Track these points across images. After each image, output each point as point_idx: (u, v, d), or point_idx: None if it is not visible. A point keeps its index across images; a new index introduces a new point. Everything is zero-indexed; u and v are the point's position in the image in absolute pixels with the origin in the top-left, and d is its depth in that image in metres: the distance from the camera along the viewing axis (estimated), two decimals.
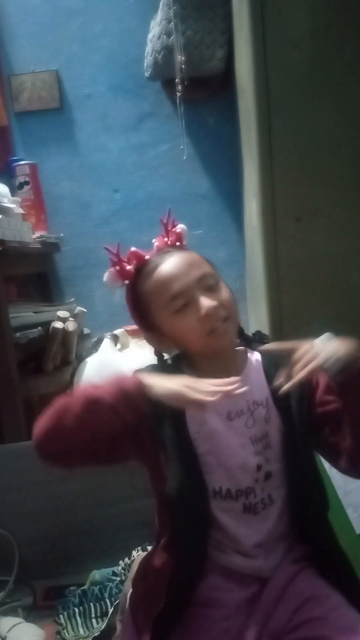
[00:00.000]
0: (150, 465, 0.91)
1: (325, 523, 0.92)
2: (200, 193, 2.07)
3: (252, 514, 0.88)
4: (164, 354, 0.99)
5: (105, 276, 0.97)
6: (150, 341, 0.97)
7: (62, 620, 1.25)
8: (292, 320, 1.43)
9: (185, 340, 0.90)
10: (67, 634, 1.22)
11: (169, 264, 0.90)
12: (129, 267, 0.94)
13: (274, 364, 0.93)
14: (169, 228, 0.97)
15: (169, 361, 1.00)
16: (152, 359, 1.02)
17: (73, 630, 1.23)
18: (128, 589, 1.04)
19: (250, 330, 1.01)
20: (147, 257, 0.94)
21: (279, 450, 0.90)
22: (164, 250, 0.94)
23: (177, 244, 0.97)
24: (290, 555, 0.90)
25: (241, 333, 0.99)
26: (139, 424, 0.85)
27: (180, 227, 0.98)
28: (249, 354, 0.96)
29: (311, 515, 0.90)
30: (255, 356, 0.96)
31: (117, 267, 0.95)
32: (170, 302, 0.88)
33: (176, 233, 0.97)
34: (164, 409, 0.86)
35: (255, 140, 1.41)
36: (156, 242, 0.97)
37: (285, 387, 0.80)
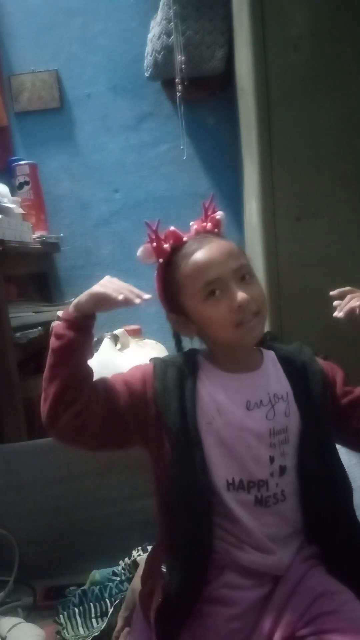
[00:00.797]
0: (154, 452, 0.90)
1: (344, 520, 0.91)
2: (200, 193, 2.06)
3: (264, 507, 0.88)
4: (182, 336, 0.99)
5: (140, 251, 0.95)
6: (174, 323, 0.96)
7: (62, 620, 1.25)
8: (292, 320, 1.43)
9: (212, 328, 0.90)
10: (67, 634, 1.22)
11: (208, 250, 0.89)
12: (165, 246, 0.92)
13: (292, 360, 0.96)
14: (209, 213, 0.95)
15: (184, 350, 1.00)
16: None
17: (73, 630, 1.23)
18: (137, 586, 1.04)
19: None
20: (185, 238, 0.93)
21: (296, 446, 0.90)
22: (203, 235, 0.93)
23: (215, 230, 0.95)
24: (302, 553, 0.90)
25: None
26: (143, 409, 0.88)
27: (219, 214, 0.96)
28: (263, 351, 0.97)
29: (324, 513, 0.89)
30: (269, 353, 0.97)
31: (154, 244, 0.93)
32: (203, 288, 0.87)
33: (215, 219, 0.95)
34: (170, 397, 0.88)
35: (255, 140, 1.41)
36: (194, 225, 0.95)
37: (338, 314, 0.90)
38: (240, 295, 0.85)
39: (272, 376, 0.93)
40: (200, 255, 0.88)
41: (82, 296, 0.88)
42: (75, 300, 0.88)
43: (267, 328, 1.42)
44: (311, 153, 1.39)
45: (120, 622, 1.12)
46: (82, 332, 0.87)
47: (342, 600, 0.83)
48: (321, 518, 0.90)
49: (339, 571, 0.88)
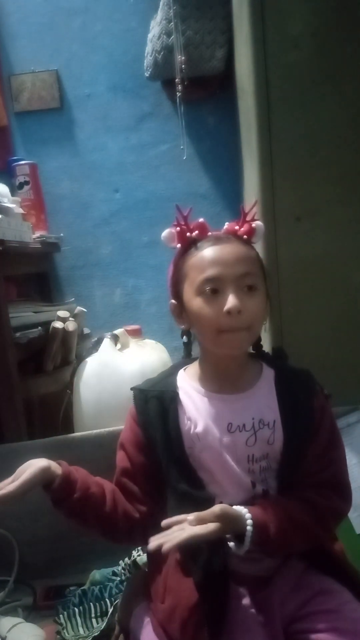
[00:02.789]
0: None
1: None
2: (200, 193, 2.07)
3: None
4: (187, 337, 0.99)
5: (165, 232, 0.94)
6: (172, 310, 0.95)
7: (62, 620, 1.25)
8: (291, 320, 1.43)
9: (198, 326, 0.89)
10: (67, 634, 1.22)
11: (219, 248, 0.87)
12: (188, 234, 0.92)
13: (290, 387, 0.91)
14: (247, 218, 0.93)
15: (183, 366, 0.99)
16: (158, 358, 1.02)
17: (73, 630, 1.23)
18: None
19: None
20: (209, 233, 0.92)
21: (276, 470, 0.89)
22: (227, 235, 0.91)
23: (245, 236, 0.92)
24: (297, 556, 0.90)
25: (258, 346, 0.97)
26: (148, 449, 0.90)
27: (257, 224, 0.93)
28: (264, 369, 0.94)
29: None
30: (269, 372, 0.93)
31: (179, 229, 0.92)
32: (202, 283, 0.86)
33: (250, 226, 0.92)
34: (155, 430, 0.89)
35: (255, 140, 1.41)
36: (226, 226, 0.94)
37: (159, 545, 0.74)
38: (233, 302, 0.83)
39: (262, 400, 0.90)
40: (210, 250, 0.88)
41: None
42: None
43: (266, 328, 1.42)
44: (311, 153, 1.39)
45: (118, 627, 1.12)
46: (64, 505, 0.89)
47: (342, 599, 0.83)
48: None
49: (333, 573, 0.88)
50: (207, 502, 0.87)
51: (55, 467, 0.88)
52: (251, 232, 0.92)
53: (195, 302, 0.87)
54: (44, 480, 0.86)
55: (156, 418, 0.90)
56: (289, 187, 1.40)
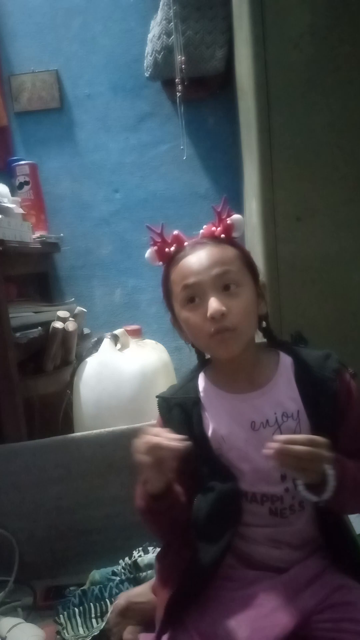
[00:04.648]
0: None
1: (347, 529, 0.93)
2: (200, 193, 2.07)
3: (280, 517, 0.89)
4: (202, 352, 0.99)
5: (147, 253, 0.95)
6: (173, 325, 0.96)
7: (62, 620, 1.25)
8: (291, 320, 1.43)
9: (192, 335, 0.90)
10: (66, 634, 1.22)
11: (194, 257, 0.88)
12: (167, 250, 0.92)
13: (309, 373, 0.90)
14: (222, 217, 0.92)
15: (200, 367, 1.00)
16: (158, 358, 1.01)
17: (73, 630, 1.23)
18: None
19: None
20: (185, 243, 0.92)
21: None
22: (201, 240, 0.91)
23: (223, 235, 0.91)
24: (318, 553, 0.91)
25: (270, 334, 0.97)
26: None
27: (233, 219, 0.92)
28: (281, 359, 0.93)
29: (338, 521, 0.91)
30: (287, 361, 0.92)
31: (155, 248, 0.93)
32: (182, 293, 0.87)
33: (227, 224, 0.91)
34: (180, 434, 0.87)
35: (255, 140, 1.41)
36: (203, 230, 0.93)
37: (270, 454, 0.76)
38: (213, 307, 0.83)
39: (282, 392, 0.89)
40: (185, 261, 0.89)
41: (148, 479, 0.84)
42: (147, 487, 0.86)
43: (269, 317, 1.42)
44: (311, 153, 1.39)
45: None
46: (161, 512, 0.87)
47: None
48: (336, 524, 0.91)
49: (354, 572, 0.88)
50: (234, 495, 0.88)
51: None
52: (229, 229, 0.91)
53: (183, 315, 0.89)
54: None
55: (181, 424, 0.90)
56: (289, 187, 1.40)
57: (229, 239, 0.92)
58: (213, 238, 0.91)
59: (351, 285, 1.43)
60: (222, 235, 0.91)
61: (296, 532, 0.90)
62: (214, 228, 0.92)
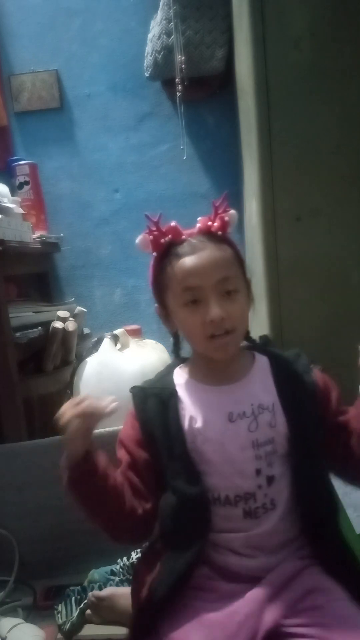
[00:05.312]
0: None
1: (334, 525, 0.92)
2: (200, 193, 2.07)
3: (253, 518, 0.88)
4: (174, 339, 1.00)
5: (138, 239, 0.94)
6: (159, 314, 0.96)
7: (60, 608, 1.27)
8: (291, 320, 1.43)
9: (187, 335, 0.91)
10: (59, 620, 1.24)
11: (197, 257, 0.87)
12: (162, 240, 0.91)
13: (285, 369, 0.93)
14: (219, 212, 0.91)
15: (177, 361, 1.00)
16: (158, 358, 1.02)
17: (67, 617, 1.24)
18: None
19: (253, 331, 1.00)
20: (184, 236, 0.91)
21: (283, 454, 0.90)
22: (200, 238, 0.90)
23: (220, 232, 0.90)
24: (298, 553, 0.90)
25: (246, 337, 0.98)
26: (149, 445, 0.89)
27: (229, 215, 0.92)
28: (256, 357, 0.95)
29: (319, 517, 0.90)
30: (262, 359, 0.95)
31: (151, 237, 0.92)
32: (183, 294, 0.87)
33: (223, 220, 0.91)
34: (153, 427, 0.89)
35: (255, 140, 1.41)
36: (199, 223, 0.92)
37: None
38: (214, 311, 0.85)
39: (258, 386, 0.91)
40: (188, 260, 0.88)
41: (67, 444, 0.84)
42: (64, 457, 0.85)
43: (267, 328, 1.43)
44: (311, 153, 1.39)
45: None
46: (85, 482, 0.85)
47: (333, 597, 0.82)
48: (316, 519, 0.90)
49: (334, 571, 0.87)
50: (203, 500, 0.87)
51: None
52: (225, 226, 0.91)
53: (181, 314, 0.89)
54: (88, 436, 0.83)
55: (156, 415, 0.90)
56: (289, 187, 1.40)
57: (225, 235, 0.92)
58: (210, 235, 0.91)
59: (351, 285, 1.43)
60: (220, 232, 0.91)
61: (269, 534, 0.88)
62: (209, 222, 0.91)
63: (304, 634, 0.78)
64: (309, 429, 0.89)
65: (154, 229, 0.92)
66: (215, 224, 0.91)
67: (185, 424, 0.89)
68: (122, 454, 0.94)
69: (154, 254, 0.93)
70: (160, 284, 0.93)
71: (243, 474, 0.88)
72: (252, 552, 0.88)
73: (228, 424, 0.88)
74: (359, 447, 0.89)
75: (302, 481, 0.89)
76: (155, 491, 0.91)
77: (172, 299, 0.90)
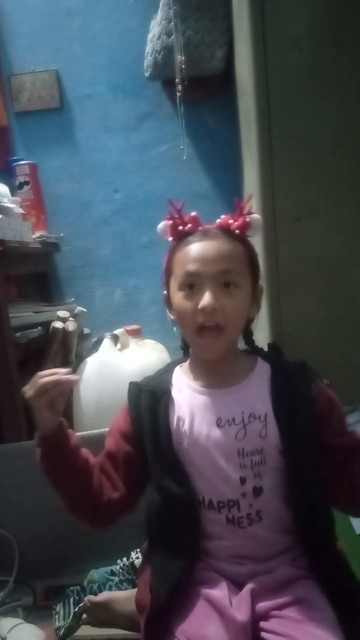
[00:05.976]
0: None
1: (329, 540, 0.90)
2: (200, 193, 2.07)
3: (237, 527, 0.87)
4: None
5: (160, 225, 0.94)
6: (164, 301, 0.96)
7: (58, 609, 1.27)
8: (291, 320, 1.43)
9: (180, 321, 0.90)
10: (57, 622, 1.24)
11: (203, 245, 0.87)
12: (180, 228, 0.91)
13: (285, 379, 0.90)
14: (244, 212, 0.91)
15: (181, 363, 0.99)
16: (158, 358, 1.02)
17: (64, 619, 1.24)
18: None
19: (257, 335, 0.99)
20: (200, 228, 0.91)
21: (275, 467, 0.88)
22: (216, 230, 0.90)
23: (238, 231, 0.89)
24: (295, 562, 0.89)
25: (250, 339, 0.97)
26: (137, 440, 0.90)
27: (252, 217, 0.90)
28: (258, 364, 0.93)
29: (313, 532, 0.88)
30: (264, 366, 0.92)
31: (171, 223, 0.92)
32: (182, 277, 0.87)
33: (245, 220, 0.90)
34: (144, 423, 0.90)
35: (255, 140, 1.41)
36: (220, 219, 0.91)
37: None
38: (207, 299, 0.83)
39: (253, 393, 0.89)
40: (195, 246, 0.88)
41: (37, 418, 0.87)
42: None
43: (267, 328, 1.43)
44: (311, 153, 1.39)
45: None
46: (55, 456, 0.88)
47: (317, 615, 0.80)
48: (306, 537, 0.88)
49: (327, 586, 0.85)
50: (189, 500, 0.87)
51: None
52: (246, 226, 0.90)
53: (176, 297, 0.88)
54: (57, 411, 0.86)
55: (147, 412, 0.90)
56: (289, 187, 1.40)
57: (243, 235, 0.91)
58: (228, 231, 0.90)
59: (351, 285, 1.43)
60: (237, 231, 0.90)
61: (253, 545, 0.88)
62: (231, 221, 0.91)
63: None
64: (303, 443, 0.87)
65: (176, 215, 0.92)
66: (236, 223, 0.90)
67: (174, 424, 0.89)
68: (108, 441, 0.95)
69: (171, 239, 0.93)
70: (169, 269, 0.92)
71: (227, 480, 0.86)
72: (239, 560, 0.88)
73: (215, 428, 0.87)
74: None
75: (296, 495, 0.87)
76: (128, 485, 0.91)
77: (173, 282, 0.90)
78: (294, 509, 0.88)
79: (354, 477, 0.84)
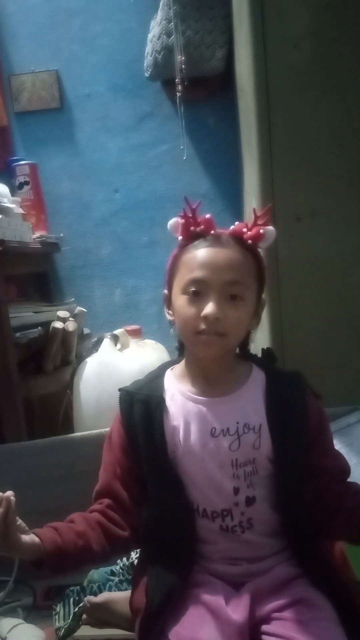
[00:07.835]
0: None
1: (318, 544, 0.90)
2: (200, 193, 2.06)
3: (231, 534, 0.87)
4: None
5: (171, 221, 0.92)
6: (164, 300, 0.95)
7: (58, 609, 1.27)
8: (292, 321, 1.43)
9: (179, 324, 0.89)
10: (57, 623, 1.24)
11: (213, 251, 0.86)
12: (192, 228, 0.89)
13: (279, 390, 0.89)
14: (258, 222, 0.89)
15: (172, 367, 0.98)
16: (158, 358, 1.01)
17: (64, 620, 1.24)
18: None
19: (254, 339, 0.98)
20: (212, 232, 0.89)
21: (266, 476, 0.88)
22: (228, 237, 0.88)
23: (250, 241, 0.87)
24: (290, 561, 0.89)
25: (244, 348, 0.96)
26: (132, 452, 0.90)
27: (266, 229, 0.89)
28: (253, 371, 0.92)
29: (304, 538, 0.88)
30: (259, 375, 0.92)
31: (183, 221, 0.90)
32: (188, 282, 0.86)
33: (258, 231, 0.88)
34: (138, 433, 0.89)
35: (255, 140, 1.40)
36: (234, 226, 0.90)
37: None
38: (211, 309, 0.82)
39: (247, 404, 0.89)
40: (203, 251, 0.86)
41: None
42: None
43: (266, 329, 1.42)
44: (311, 153, 1.39)
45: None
46: (53, 567, 0.85)
47: (318, 615, 0.81)
48: (297, 542, 0.89)
49: (321, 586, 0.86)
50: (184, 509, 0.87)
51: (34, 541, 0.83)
52: (259, 237, 0.88)
53: (179, 300, 0.87)
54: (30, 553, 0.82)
55: (141, 423, 0.89)
56: (289, 187, 1.40)
57: (255, 246, 0.89)
58: (240, 240, 0.88)
59: (351, 286, 1.43)
60: (250, 241, 0.88)
61: (250, 548, 0.88)
62: (245, 229, 0.89)
63: None
64: (295, 453, 0.87)
65: (190, 215, 0.90)
66: (251, 233, 0.88)
67: (168, 433, 0.88)
68: (109, 460, 0.94)
69: (180, 238, 0.91)
70: (173, 269, 0.91)
71: (220, 490, 0.87)
72: (234, 561, 0.88)
73: (210, 438, 0.87)
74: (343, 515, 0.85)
75: (286, 503, 0.87)
76: (140, 501, 0.90)
77: (177, 284, 0.88)
78: (282, 515, 0.88)
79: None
